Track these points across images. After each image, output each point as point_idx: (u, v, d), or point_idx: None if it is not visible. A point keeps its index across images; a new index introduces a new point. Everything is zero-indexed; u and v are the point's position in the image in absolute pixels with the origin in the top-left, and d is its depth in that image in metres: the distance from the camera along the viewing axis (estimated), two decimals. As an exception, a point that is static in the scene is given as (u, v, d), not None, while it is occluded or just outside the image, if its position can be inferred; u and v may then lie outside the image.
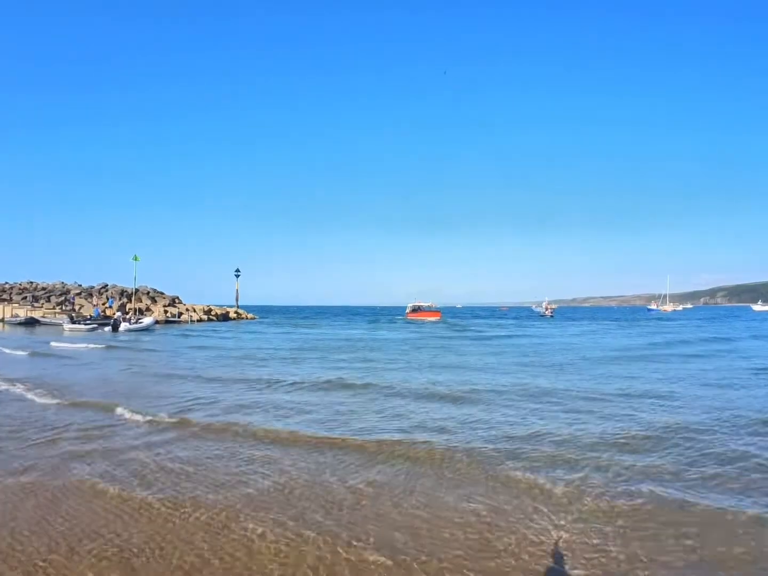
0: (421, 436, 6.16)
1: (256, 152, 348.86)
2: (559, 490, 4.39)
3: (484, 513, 3.94)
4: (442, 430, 6.57)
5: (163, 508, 4.03)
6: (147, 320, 32.86)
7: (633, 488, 4.43)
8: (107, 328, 29.75)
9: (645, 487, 4.44)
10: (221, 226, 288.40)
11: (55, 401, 8.51)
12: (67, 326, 30.11)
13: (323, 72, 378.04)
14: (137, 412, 7.44)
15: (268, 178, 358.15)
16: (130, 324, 30.53)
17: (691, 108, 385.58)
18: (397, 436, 6.18)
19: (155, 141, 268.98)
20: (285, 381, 10.64)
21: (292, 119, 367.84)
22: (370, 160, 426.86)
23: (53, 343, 19.53)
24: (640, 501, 4.16)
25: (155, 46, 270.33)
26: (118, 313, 33.15)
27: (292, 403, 8.46)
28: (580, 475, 4.80)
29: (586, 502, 4.14)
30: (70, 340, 21.65)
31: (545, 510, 3.98)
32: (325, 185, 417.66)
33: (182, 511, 3.99)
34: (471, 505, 4.13)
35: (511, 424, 6.83)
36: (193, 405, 8.26)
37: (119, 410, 7.65)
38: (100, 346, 18.02)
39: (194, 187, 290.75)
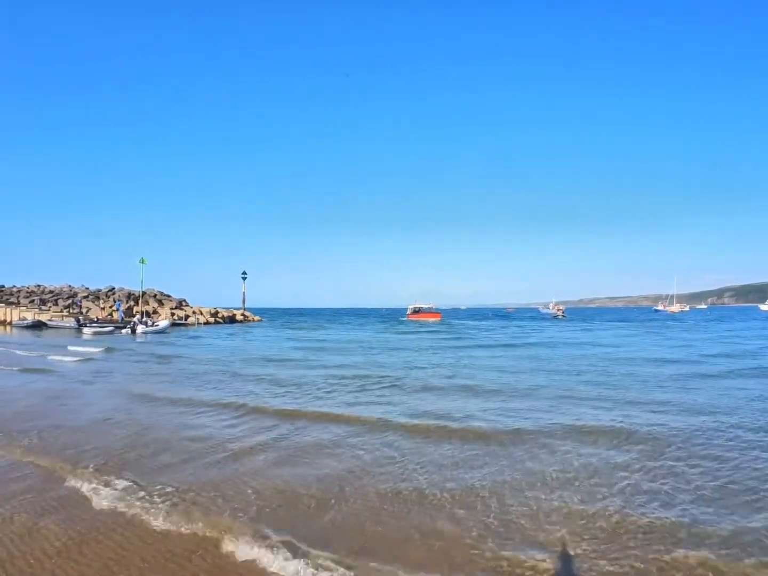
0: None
1: (256, 153, 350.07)
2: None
3: None
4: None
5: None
6: (162, 323, 34.71)
7: None
8: (125, 330, 31.83)
9: None
10: (226, 228, 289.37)
11: None
12: (87, 329, 31.43)
13: (323, 72, 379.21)
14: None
15: (269, 179, 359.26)
16: (146, 327, 32.15)
17: (691, 108, 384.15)
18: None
19: (157, 142, 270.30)
20: (249, 405, 8.61)
21: (293, 120, 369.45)
22: (371, 160, 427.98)
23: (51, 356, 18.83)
24: None
25: (155, 46, 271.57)
26: (137, 317, 34.73)
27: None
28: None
29: None
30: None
31: None
32: (327, 186, 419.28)
33: None
34: None
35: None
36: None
37: None
38: (74, 359, 16.39)
39: (197, 188, 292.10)
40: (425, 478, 4.93)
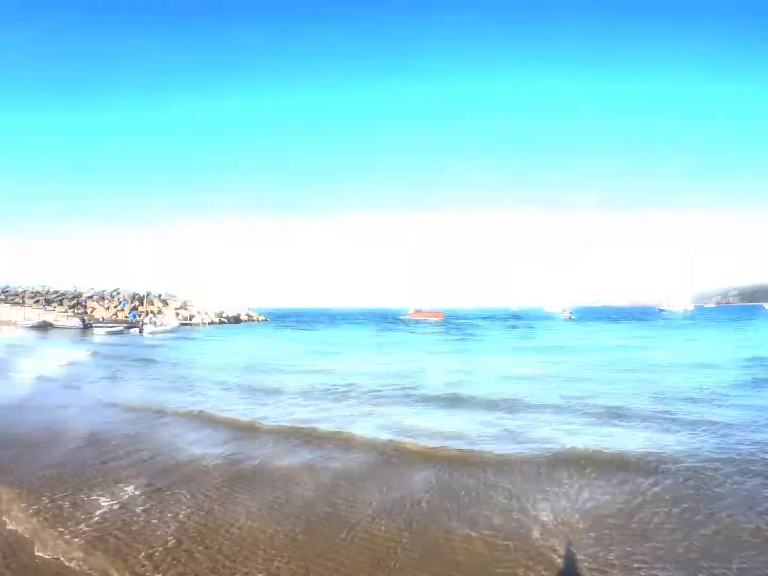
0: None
1: (256, 153, 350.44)
2: None
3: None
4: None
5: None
6: (171, 323, 35.22)
7: None
8: (133, 330, 32.03)
9: None
10: (227, 228, 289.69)
11: None
12: (99, 329, 31.78)
13: (323, 72, 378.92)
14: None
15: (269, 179, 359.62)
16: (155, 327, 32.33)
17: (691, 108, 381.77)
18: None
19: (158, 141, 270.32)
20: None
21: (293, 120, 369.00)
22: (371, 160, 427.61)
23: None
24: None
25: (156, 46, 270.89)
26: (149, 317, 35.07)
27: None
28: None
29: None
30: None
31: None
32: (330, 186, 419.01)
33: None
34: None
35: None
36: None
37: None
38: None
39: (199, 188, 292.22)
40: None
